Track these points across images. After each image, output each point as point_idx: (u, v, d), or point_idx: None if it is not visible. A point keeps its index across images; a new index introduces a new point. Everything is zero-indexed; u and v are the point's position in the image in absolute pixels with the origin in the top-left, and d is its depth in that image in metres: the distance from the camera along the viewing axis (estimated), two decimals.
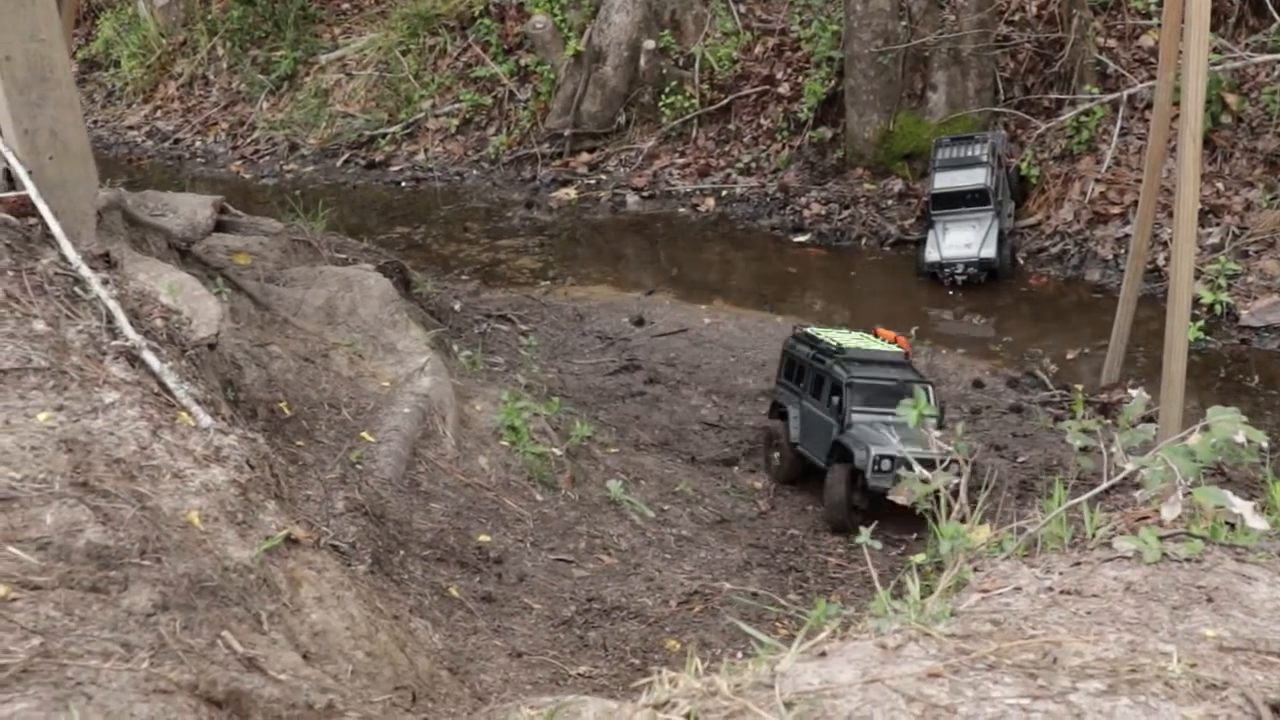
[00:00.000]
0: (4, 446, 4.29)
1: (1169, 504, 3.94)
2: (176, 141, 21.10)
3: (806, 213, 15.52)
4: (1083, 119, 14.19)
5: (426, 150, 18.88)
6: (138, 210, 7.74)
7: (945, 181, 13.55)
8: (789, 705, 2.90)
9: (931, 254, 13.45)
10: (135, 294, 6.16)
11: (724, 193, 16.42)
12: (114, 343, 5.41)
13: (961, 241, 13.34)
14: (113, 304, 5.62)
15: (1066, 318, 12.87)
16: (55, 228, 6.05)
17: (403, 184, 18.34)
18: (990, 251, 13.22)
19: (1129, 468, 4.14)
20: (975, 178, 13.40)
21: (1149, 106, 13.47)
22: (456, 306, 12.13)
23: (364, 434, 7.27)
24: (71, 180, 6.75)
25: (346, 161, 19.16)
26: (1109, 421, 4.60)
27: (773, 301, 13.74)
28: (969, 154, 13.61)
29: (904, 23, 15.36)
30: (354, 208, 17.35)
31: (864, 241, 14.90)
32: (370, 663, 4.62)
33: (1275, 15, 13.45)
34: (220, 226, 9.04)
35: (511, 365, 10.65)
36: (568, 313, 13.01)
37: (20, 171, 6.38)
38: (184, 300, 6.43)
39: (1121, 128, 14.01)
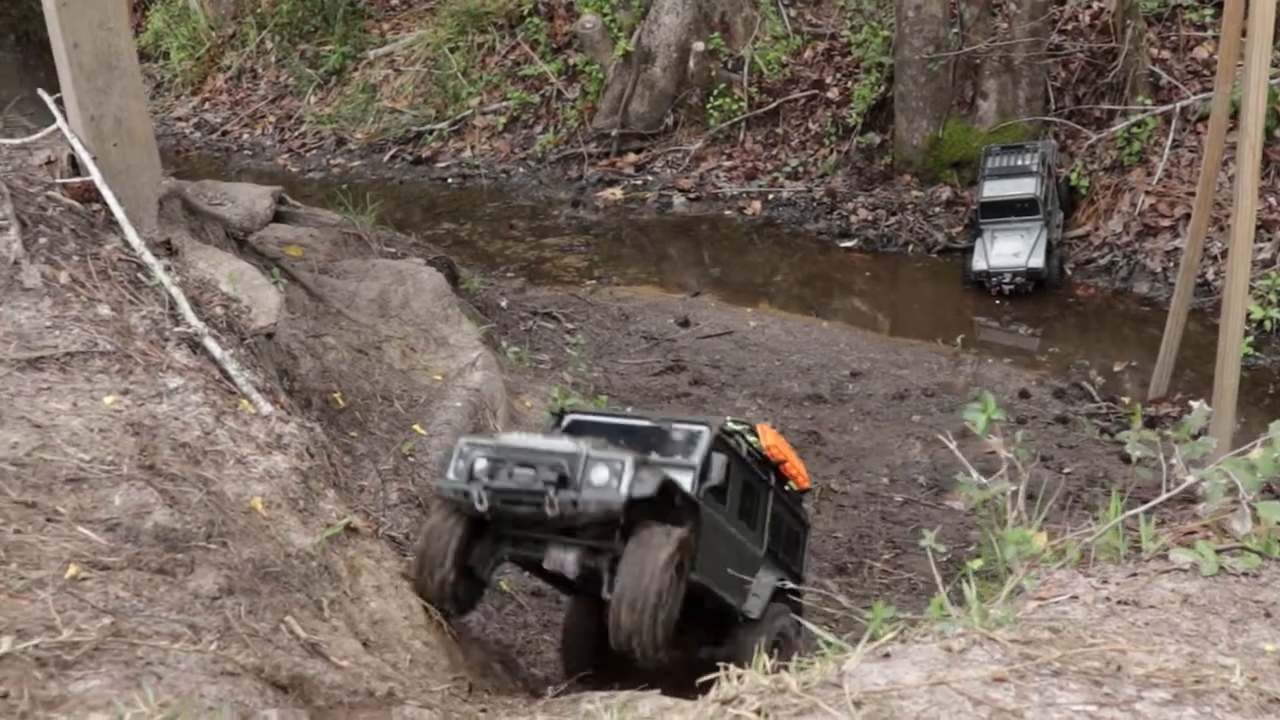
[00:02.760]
0: (73, 428, 4.34)
1: (1237, 517, 3.93)
2: (224, 134, 21.17)
3: (853, 218, 15.47)
4: (1134, 130, 14.12)
5: (473, 147, 18.90)
6: (197, 199, 7.79)
7: (994, 190, 13.50)
8: (858, 704, 2.92)
9: (979, 262, 13.40)
10: (196, 282, 6.21)
11: (770, 196, 16.39)
12: (176, 329, 5.46)
13: (1009, 251, 13.28)
14: (175, 291, 5.67)
15: (1114, 329, 12.82)
16: (119, 214, 6.11)
17: (449, 181, 18.36)
18: (1038, 261, 13.16)
19: (1190, 480, 4.14)
20: (1025, 187, 13.35)
21: (1202, 119, 13.44)
22: (503, 303, 12.15)
23: (416, 427, 7.30)
24: (135, 167, 6.80)
25: (393, 157, 19.20)
26: (1161, 434, 4.58)
27: (818, 306, 13.73)
28: (1019, 163, 13.56)
29: (955, 30, 15.30)
30: (400, 203, 17.38)
31: (910, 248, 14.84)
32: (427, 652, 4.65)
33: None
34: (278, 217, 9.10)
35: (557, 363, 10.67)
36: (613, 312, 13.01)
37: (86, 157, 6.45)
38: (243, 289, 6.47)
39: (1173, 140, 13.93)
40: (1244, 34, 7.85)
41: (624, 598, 4.68)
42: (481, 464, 4.84)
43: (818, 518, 8.88)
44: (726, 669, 3.22)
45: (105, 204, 6.19)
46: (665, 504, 4.95)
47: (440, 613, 4.94)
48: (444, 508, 5.01)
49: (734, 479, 5.69)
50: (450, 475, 4.91)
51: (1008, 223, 13.39)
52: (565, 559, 4.98)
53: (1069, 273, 13.73)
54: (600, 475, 4.72)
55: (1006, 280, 13.19)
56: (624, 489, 4.71)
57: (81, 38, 6.57)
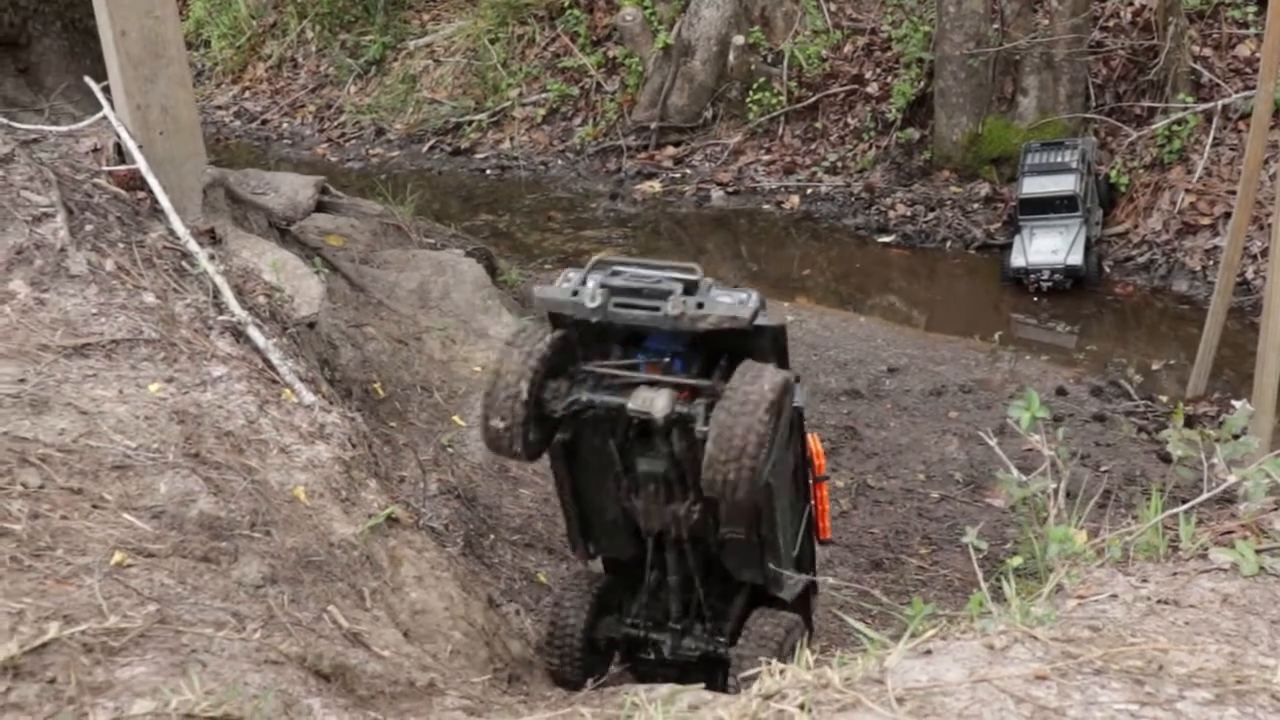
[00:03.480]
0: (119, 415, 4.38)
1: (1279, 517, 3.93)
2: (264, 122, 21.24)
3: (891, 213, 15.44)
4: (1175, 128, 14.05)
5: (512, 139, 18.93)
6: (240, 188, 7.83)
7: (1034, 186, 13.46)
8: (900, 700, 2.93)
9: (1017, 259, 13.36)
10: (239, 270, 6.25)
11: (809, 191, 16.36)
12: (220, 317, 5.50)
13: (1048, 248, 13.24)
14: (219, 279, 5.71)
15: (1152, 328, 12.77)
16: (164, 202, 6.15)
17: (488, 172, 18.40)
18: (1077, 259, 13.11)
19: (1231, 479, 4.13)
20: (1064, 184, 13.30)
21: (1244, 117, 13.37)
22: None
23: (455, 418, 7.33)
24: (180, 156, 6.85)
25: (432, 148, 19.24)
26: (1202, 433, 4.58)
27: (855, 301, 13.72)
28: (1059, 160, 13.51)
29: (996, 26, 15.25)
30: (438, 194, 17.42)
31: (948, 244, 14.81)
32: (467, 643, 4.67)
33: None
34: (320, 207, 9.14)
35: None
36: None
37: (131, 146, 6.49)
38: (286, 279, 6.52)
39: (1214, 138, 13.85)
40: None
41: (723, 433, 4.32)
42: (598, 273, 4.70)
43: (854, 513, 8.89)
44: (769, 663, 3.23)
45: (150, 192, 6.24)
46: (777, 351, 4.84)
47: (510, 456, 4.62)
48: (521, 337, 4.68)
49: (795, 428, 5.38)
50: (560, 284, 4.73)
51: (1047, 219, 13.35)
52: (655, 399, 4.57)
53: (1107, 270, 13.68)
54: (725, 298, 4.59)
55: (1045, 277, 13.16)
56: (751, 307, 4.57)
57: (129, 26, 6.61)
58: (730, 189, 16.80)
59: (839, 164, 16.60)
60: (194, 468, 4.22)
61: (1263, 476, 4.04)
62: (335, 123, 20.60)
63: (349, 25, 21.64)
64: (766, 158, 17.20)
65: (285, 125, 21.09)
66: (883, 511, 9.00)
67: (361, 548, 4.57)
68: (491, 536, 6.48)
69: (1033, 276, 13.21)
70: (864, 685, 3.02)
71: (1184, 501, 4.28)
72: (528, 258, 14.56)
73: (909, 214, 15.36)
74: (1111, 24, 15.49)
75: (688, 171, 17.37)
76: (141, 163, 6.35)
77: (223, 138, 20.84)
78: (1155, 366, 11.78)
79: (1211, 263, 12.82)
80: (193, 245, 5.87)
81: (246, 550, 4.01)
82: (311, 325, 6.51)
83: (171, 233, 5.95)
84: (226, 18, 22.76)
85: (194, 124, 6.95)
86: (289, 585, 4.00)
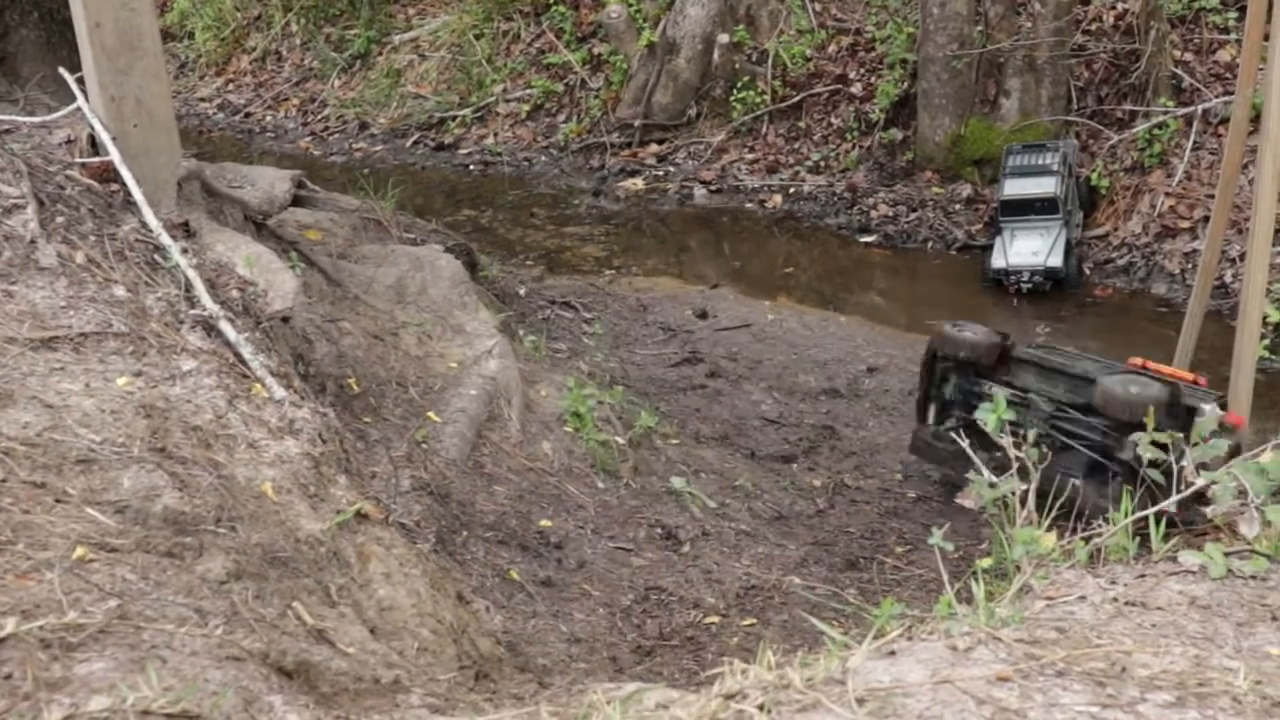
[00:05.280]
0: (85, 409, 4.36)
1: (1246, 520, 3.94)
2: (247, 115, 21.22)
3: (873, 213, 15.46)
4: (1155, 132, 14.08)
5: (496, 135, 18.92)
6: (216, 181, 7.81)
7: (1015, 188, 13.47)
8: (861, 701, 2.92)
9: (998, 260, 13.37)
10: (213, 264, 6.23)
11: (792, 190, 16.38)
12: (192, 311, 5.47)
13: (1029, 249, 13.25)
14: (191, 273, 5.69)
15: (1131, 330, 12.77)
16: (137, 194, 6.13)
17: (471, 167, 18.39)
18: (1057, 260, 13.13)
19: (1200, 482, 4.14)
20: (1045, 186, 13.31)
21: (1223, 122, 13.39)
22: (521, 291, 12.17)
23: (430, 414, 7.32)
24: (155, 148, 6.83)
25: (416, 143, 19.22)
26: (1173, 435, 4.61)
27: (836, 300, 13.72)
28: (1040, 162, 13.52)
29: (980, 27, 15.27)
30: (421, 189, 17.42)
31: (930, 245, 14.83)
32: (435, 640, 4.66)
33: None
34: (296, 201, 9.11)
35: (574, 352, 10.68)
36: (631, 303, 13.03)
37: (105, 137, 6.47)
38: (260, 272, 6.50)
39: (1194, 142, 13.88)
40: (1266, 38, 7.81)
41: None
42: None
43: (830, 512, 8.89)
44: (731, 663, 3.22)
45: (124, 184, 6.21)
46: None
47: None
48: None
49: None
50: None
51: (1027, 221, 13.36)
52: None
53: (1087, 272, 13.71)
54: None
55: (1025, 278, 13.18)
56: None
57: (104, 17, 6.59)
58: (713, 187, 16.81)
59: (822, 163, 16.62)
60: (159, 462, 4.19)
61: (1231, 480, 4.04)
62: (319, 116, 20.59)
63: (334, 19, 21.63)
64: (750, 156, 17.21)
65: (269, 118, 21.07)
66: (859, 511, 9.00)
67: (329, 544, 4.55)
68: (464, 533, 6.47)
69: (1013, 278, 13.24)
70: (825, 686, 3.02)
71: (1155, 504, 4.29)
72: (509, 254, 14.55)
73: (891, 214, 15.38)
74: (1094, 27, 15.52)
75: (671, 169, 17.39)
76: (115, 155, 6.32)
77: (205, 130, 20.82)
78: None
79: (1190, 266, 12.85)
80: (165, 238, 5.85)
81: (211, 546, 3.99)
82: (285, 320, 6.49)
83: (144, 226, 5.93)
84: (211, 10, 22.72)
85: (169, 117, 6.93)
86: (254, 581, 3.97)
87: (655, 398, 10.20)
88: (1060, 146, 13.78)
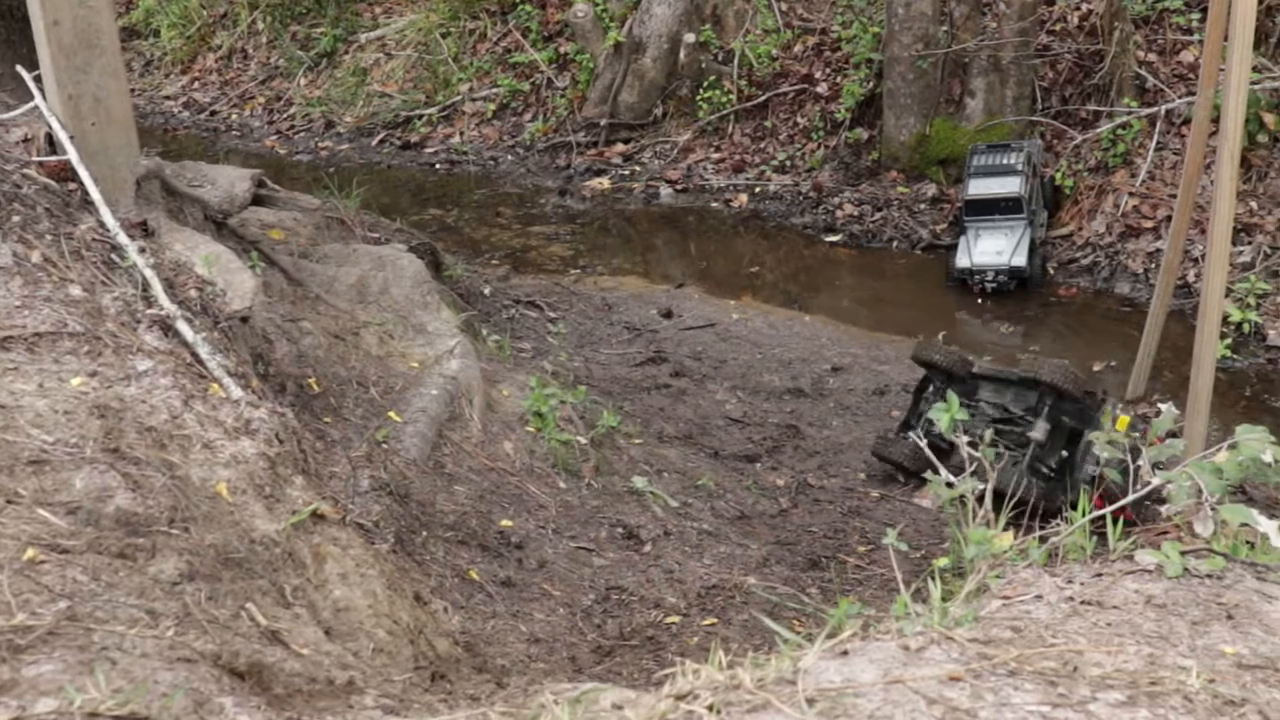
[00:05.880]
0: (37, 410, 4.33)
1: (1200, 519, 3.94)
2: (213, 114, 21.15)
3: (839, 213, 15.48)
4: (1119, 132, 14.14)
5: (462, 134, 18.90)
6: (176, 180, 7.76)
7: (979, 188, 13.48)
8: (811, 701, 2.91)
9: (962, 260, 13.39)
10: (171, 263, 6.20)
11: (757, 189, 16.39)
12: (149, 311, 5.45)
13: (993, 249, 13.27)
14: (149, 272, 5.66)
15: (1095, 329, 12.82)
16: (95, 194, 6.09)
17: (437, 166, 18.36)
18: (1021, 260, 13.15)
19: (1155, 482, 4.15)
20: (1010, 185, 13.32)
21: (1186, 122, 13.46)
22: (486, 291, 12.15)
23: (391, 414, 7.29)
24: (113, 147, 6.77)
25: (382, 141, 19.19)
26: (1130, 435, 4.64)
27: (801, 300, 13.73)
28: (1004, 162, 13.53)
29: (945, 28, 15.31)
30: (387, 188, 17.39)
31: (895, 244, 14.86)
32: (391, 641, 4.64)
33: None
34: (257, 200, 9.06)
35: (539, 352, 10.67)
36: (596, 302, 13.02)
37: (62, 136, 6.43)
38: (219, 272, 6.46)
39: (1158, 142, 13.95)
40: (1227, 38, 7.85)
41: None
42: None
43: (794, 511, 8.90)
44: (682, 663, 3.21)
45: (81, 183, 6.18)
46: None
47: None
48: None
49: None
50: None
51: (992, 221, 13.38)
52: None
53: (1051, 272, 13.75)
54: None
55: (990, 278, 13.19)
56: None
57: (61, 15, 6.54)
58: (679, 186, 16.82)
59: (788, 163, 16.64)
60: (112, 463, 4.17)
61: (1186, 479, 4.05)
62: (285, 115, 20.54)
63: (300, 17, 21.57)
64: (716, 156, 17.22)
65: (234, 117, 21.01)
66: (822, 510, 9.01)
67: (284, 544, 4.53)
68: (424, 533, 6.45)
69: (977, 278, 13.25)
70: (776, 686, 3.01)
71: (1114, 503, 4.30)
72: (475, 253, 14.54)
73: (856, 214, 15.40)
74: (1058, 28, 15.58)
75: (637, 169, 17.39)
76: (72, 154, 6.29)
77: (171, 128, 20.75)
78: (1097, 368, 11.83)
79: (1153, 265, 12.91)
80: (123, 238, 5.82)
81: (164, 547, 3.97)
82: (245, 319, 6.45)
83: (102, 225, 5.90)
84: (176, 7, 22.63)
85: (127, 115, 6.88)
86: (207, 582, 3.96)
87: (619, 397, 10.19)
88: (1025, 146, 13.81)
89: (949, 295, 13.56)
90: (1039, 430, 8.99)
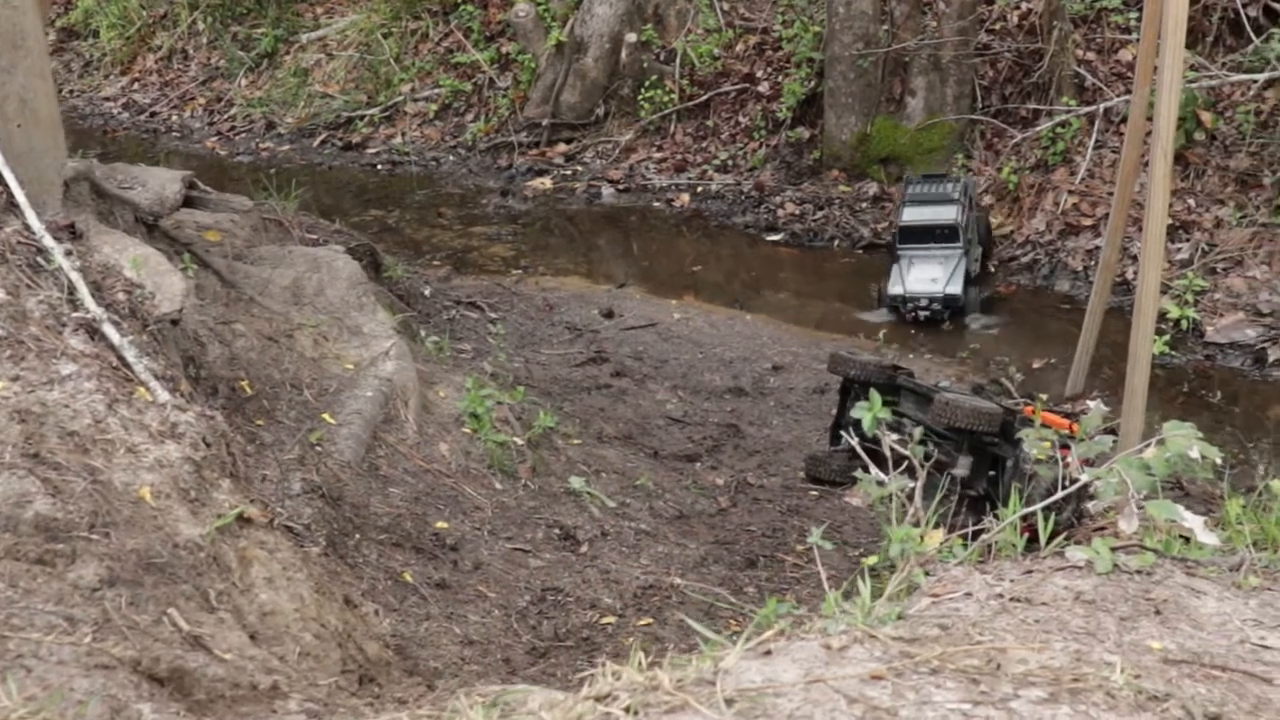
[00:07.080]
0: None
1: (1125, 516, 3.96)
2: (153, 115, 21.03)
3: (781, 212, 15.51)
4: (1059, 130, 14.21)
5: (404, 134, 18.85)
6: (106, 182, 7.69)
7: (914, 215, 13.17)
8: (730, 702, 2.90)
9: (894, 287, 13.03)
10: (99, 266, 6.13)
11: (699, 189, 16.41)
12: (74, 314, 5.39)
13: (927, 276, 12.94)
14: (75, 275, 5.60)
15: (1035, 327, 12.87)
16: (20, 196, 6.02)
17: (378, 167, 18.32)
18: (956, 288, 12.83)
19: (1083, 478, 4.17)
20: (946, 214, 13.02)
21: (1124, 120, 13.50)
22: (426, 292, 12.11)
23: (325, 416, 7.25)
24: (39, 149, 6.70)
25: (323, 142, 19.12)
26: (1057, 432, 4.68)
27: (743, 299, 13.72)
28: (940, 190, 13.29)
29: (885, 27, 15.37)
30: (329, 189, 17.34)
31: (836, 243, 14.89)
32: (318, 645, 4.60)
33: (1252, 36, 13.49)
34: (189, 202, 8.97)
35: (479, 353, 10.64)
36: (538, 302, 13.00)
37: None
38: (148, 275, 6.39)
39: (1097, 140, 14.02)
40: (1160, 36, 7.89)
41: None
42: None
43: (733, 510, 8.89)
44: (604, 665, 3.20)
45: (6, 186, 6.11)
46: None
47: None
48: None
49: None
50: None
51: (927, 249, 13.07)
52: None
53: (992, 270, 13.74)
54: None
55: (923, 305, 12.80)
56: None
57: None
58: (621, 186, 16.82)
59: (729, 162, 16.67)
60: (32, 468, 4.12)
61: (1114, 476, 4.06)
62: (225, 116, 20.45)
63: (240, 17, 21.48)
64: (658, 155, 17.24)
65: (175, 118, 20.90)
66: (761, 509, 9.00)
67: (209, 549, 4.48)
68: (357, 536, 6.41)
69: (909, 305, 12.87)
70: (695, 687, 3.00)
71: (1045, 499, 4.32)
72: (416, 254, 14.50)
73: (798, 213, 15.43)
74: (998, 27, 15.66)
75: (579, 168, 17.39)
76: None
77: (110, 130, 20.62)
78: (1037, 365, 11.88)
79: (1093, 263, 12.95)
80: (49, 240, 5.75)
81: (84, 552, 3.92)
82: (175, 322, 6.40)
83: (27, 228, 5.82)
84: (116, 8, 22.48)
85: (54, 117, 6.81)
86: (128, 588, 3.91)
87: (559, 398, 10.17)
88: (961, 179, 13.69)
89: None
90: (962, 466, 8.84)
